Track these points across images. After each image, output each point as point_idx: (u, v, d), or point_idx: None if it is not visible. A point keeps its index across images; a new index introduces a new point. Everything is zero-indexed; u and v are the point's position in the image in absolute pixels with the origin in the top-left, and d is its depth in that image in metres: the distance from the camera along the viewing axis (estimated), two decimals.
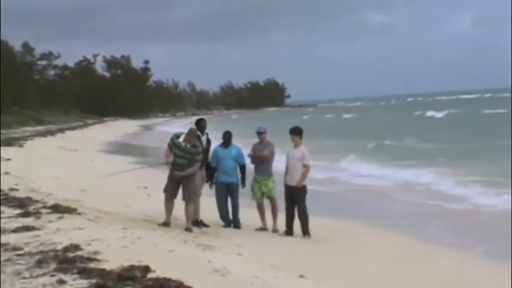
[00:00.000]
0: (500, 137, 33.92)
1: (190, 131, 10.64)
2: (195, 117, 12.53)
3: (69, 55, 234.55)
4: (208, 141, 11.63)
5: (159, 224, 10.50)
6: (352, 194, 17.96)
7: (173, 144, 10.58)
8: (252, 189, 11.76)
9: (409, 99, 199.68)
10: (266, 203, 11.80)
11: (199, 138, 11.09)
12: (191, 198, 10.61)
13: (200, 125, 11.56)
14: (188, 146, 10.49)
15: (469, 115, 63.21)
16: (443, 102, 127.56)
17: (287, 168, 11.42)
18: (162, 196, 10.93)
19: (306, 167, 11.32)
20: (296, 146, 11.40)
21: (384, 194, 17.70)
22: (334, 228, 12.55)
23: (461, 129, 43.72)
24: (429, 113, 72.87)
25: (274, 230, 11.61)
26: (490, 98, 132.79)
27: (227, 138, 11.82)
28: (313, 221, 11.40)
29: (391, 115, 78.94)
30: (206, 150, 11.44)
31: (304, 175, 11.29)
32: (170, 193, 10.69)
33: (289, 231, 11.34)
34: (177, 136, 10.68)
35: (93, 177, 16.17)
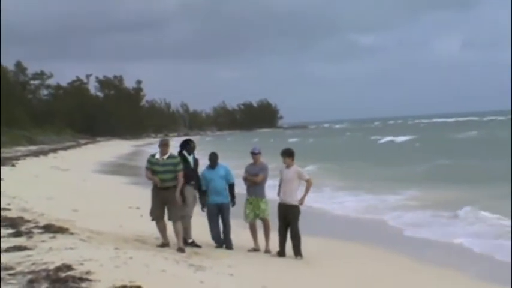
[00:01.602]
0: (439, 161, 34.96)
1: (161, 142, 10.83)
2: (187, 137, 12.57)
3: (62, 75, 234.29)
4: (196, 161, 11.65)
5: (157, 246, 10.51)
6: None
7: (152, 164, 10.63)
8: (245, 211, 11.79)
9: (391, 121, 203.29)
10: (258, 223, 11.81)
11: (186, 159, 11.17)
12: (177, 217, 10.60)
13: (190, 145, 11.61)
14: (165, 158, 10.56)
15: (431, 140, 63.46)
16: (419, 126, 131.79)
17: (281, 187, 11.46)
18: None
19: (308, 181, 11.38)
20: (288, 166, 11.45)
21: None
22: (325, 249, 12.59)
23: (408, 154, 43.87)
24: (387, 138, 71.73)
25: (267, 251, 11.61)
26: (465, 122, 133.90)
27: (213, 159, 11.84)
28: (304, 241, 11.42)
29: (353, 139, 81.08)
30: (194, 170, 11.46)
31: (307, 189, 11.37)
32: (157, 215, 10.68)
33: (281, 252, 11.34)
34: (153, 155, 10.79)
35: (85, 197, 16.13)
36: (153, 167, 10.59)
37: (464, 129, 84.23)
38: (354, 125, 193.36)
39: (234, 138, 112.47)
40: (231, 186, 11.78)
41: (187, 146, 11.54)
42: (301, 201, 11.36)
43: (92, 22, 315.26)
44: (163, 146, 10.69)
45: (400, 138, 69.07)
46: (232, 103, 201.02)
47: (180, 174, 10.59)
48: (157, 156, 10.65)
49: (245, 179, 11.79)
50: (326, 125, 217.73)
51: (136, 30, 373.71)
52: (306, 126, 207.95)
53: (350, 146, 63.01)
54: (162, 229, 10.73)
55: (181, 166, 10.66)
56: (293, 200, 11.29)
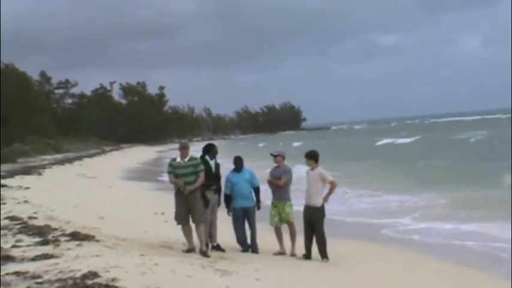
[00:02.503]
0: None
1: (181, 145, 10.84)
2: (209, 142, 12.61)
3: (86, 83, 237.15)
4: (217, 165, 11.63)
5: (183, 251, 10.49)
6: None
7: (174, 168, 10.64)
8: (270, 214, 11.76)
9: (408, 121, 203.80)
10: (284, 227, 11.77)
11: (207, 163, 11.17)
12: (201, 220, 10.59)
13: (213, 150, 11.60)
14: (186, 160, 10.59)
15: (432, 141, 62.26)
16: (435, 125, 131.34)
17: (307, 189, 11.41)
18: None
19: (333, 183, 11.33)
20: (312, 168, 11.39)
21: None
22: (351, 251, 12.50)
23: (400, 156, 43.51)
24: (385, 141, 69.62)
25: (293, 254, 11.56)
26: (480, 120, 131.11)
27: (238, 163, 11.85)
28: (330, 244, 11.34)
29: (356, 141, 79.83)
30: (216, 175, 11.44)
31: (331, 190, 11.34)
32: (182, 219, 10.65)
33: (307, 255, 11.29)
34: (174, 159, 10.83)
35: (111, 204, 16.22)
36: (175, 170, 10.60)
37: (475, 128, 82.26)
38: (371, 125, 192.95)
39: (248, 142, 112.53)
40: (257, 190, 11.78)
41: (209, 150, 11.55)
42: (325, 199, 11.30)
43: (114, 30, 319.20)
44: (183, 148, 10.71)
45: (400, 140, 67.93)
46: (255, 106, 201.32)
47: (202, 175, 10.61)
48: (178, 159, 10.69)
49: (269, 182, 11.78)
50: (344, 126, 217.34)
51: (157, 37, 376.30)
52: (328, 127, 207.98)
53: (349, 148, 62.44)
54: (188, 233, 10.70)
55: (202, 167, 10.67)
56: (317, 202, 11.23)
